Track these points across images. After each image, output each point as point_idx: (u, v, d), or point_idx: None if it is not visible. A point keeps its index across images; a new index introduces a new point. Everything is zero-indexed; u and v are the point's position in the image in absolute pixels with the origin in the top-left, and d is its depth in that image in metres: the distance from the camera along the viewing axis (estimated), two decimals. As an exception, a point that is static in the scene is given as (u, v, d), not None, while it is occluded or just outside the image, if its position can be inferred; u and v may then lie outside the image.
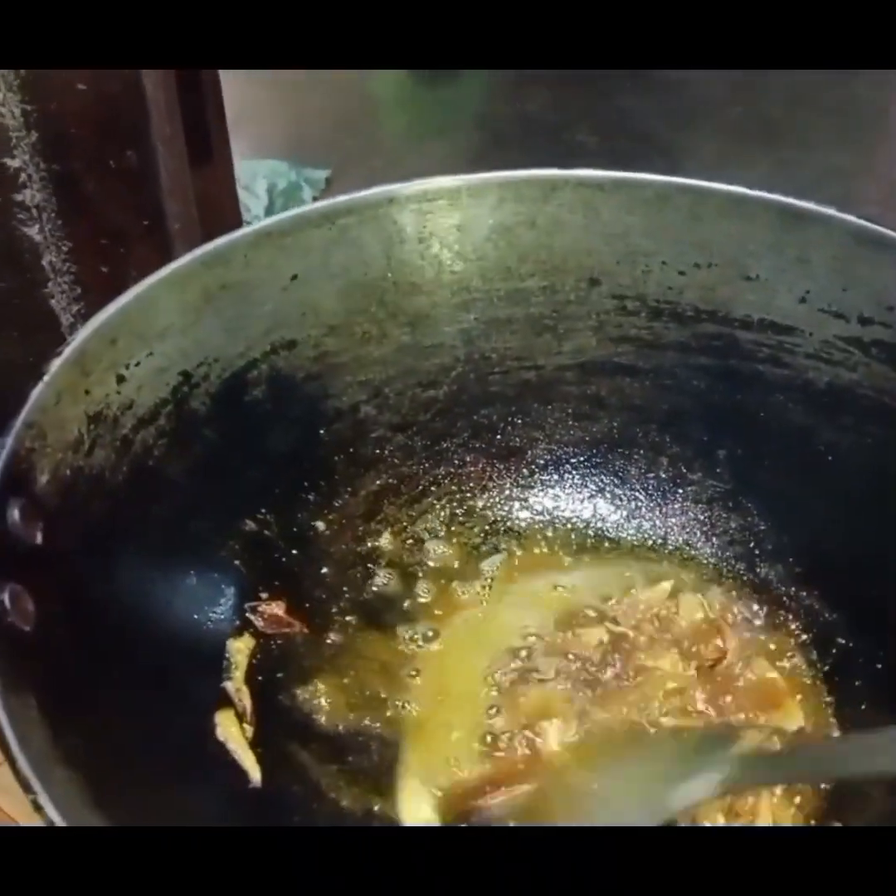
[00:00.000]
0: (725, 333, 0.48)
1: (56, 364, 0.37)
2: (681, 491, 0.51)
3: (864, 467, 0.45)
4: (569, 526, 0.52)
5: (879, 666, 0.44)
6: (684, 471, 0.51)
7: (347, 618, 0.47)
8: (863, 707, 0.44)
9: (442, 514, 0.52)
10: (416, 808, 0.40)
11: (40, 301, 0.59)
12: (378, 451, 0.51)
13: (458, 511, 0.52)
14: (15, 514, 0.33)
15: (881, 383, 0.44)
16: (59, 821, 0.25)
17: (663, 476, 0.51)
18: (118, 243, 0.61)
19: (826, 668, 0.45)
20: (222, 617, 0.43)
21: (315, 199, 0.98)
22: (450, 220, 0.48)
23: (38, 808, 0.26)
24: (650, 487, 0.52)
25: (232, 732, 0.39)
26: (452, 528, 0.52)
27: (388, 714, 0.44)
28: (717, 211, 0.47)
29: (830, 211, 0.44)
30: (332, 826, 0.35)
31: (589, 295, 0.50)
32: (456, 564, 0.51)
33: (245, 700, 0.40)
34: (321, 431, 0.49)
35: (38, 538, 0.34)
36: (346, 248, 0.47)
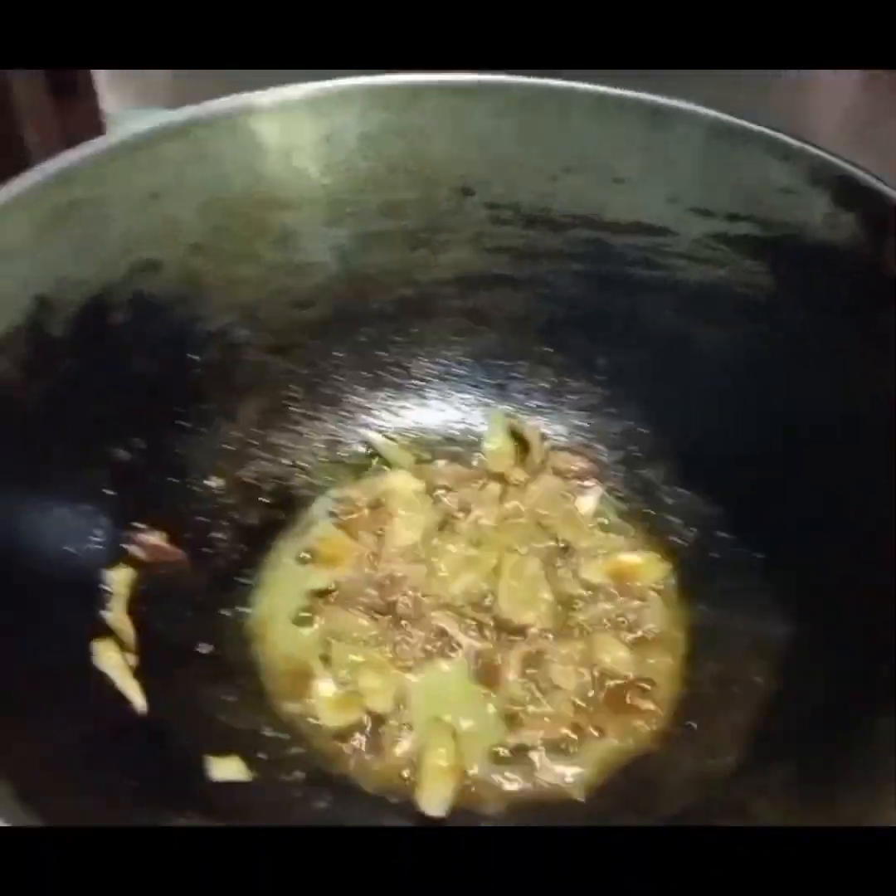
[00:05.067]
0: (597, 238, 0.48)
1: None
2: (564, 400, 0.51)
3: (736, 362, 0.45)
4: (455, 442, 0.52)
5: (759, 555, 0.45)
6: (567, 380, 0.51)
7: (232, 545, 0.46)
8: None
9: (325, 436, 0.51)
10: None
11: None
12: (255, 375, 0.49)
13: (341, 432, 0.51)
14: None
15: (749, 278, 0.45)
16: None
17: (546, 386, 0.51)
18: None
19: (710, 559, 0.46)
20: (99, 548, 0.41)
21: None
22: (314, 130, 0.47)
23: None
24: (534, 399, 0.52)
25: (113, 661, 0.37)
26: (337, 450, 0.51)
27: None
28: (584, 112, 0.46)
29: (692, 106, 0.44)
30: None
31: (462, 205, 0.49)
32: (342, 486, 0.50)
33: (127, 629, 0.39)
34: (193, 356, 0.47)
35: None
36: (204, 163, 0.45)
